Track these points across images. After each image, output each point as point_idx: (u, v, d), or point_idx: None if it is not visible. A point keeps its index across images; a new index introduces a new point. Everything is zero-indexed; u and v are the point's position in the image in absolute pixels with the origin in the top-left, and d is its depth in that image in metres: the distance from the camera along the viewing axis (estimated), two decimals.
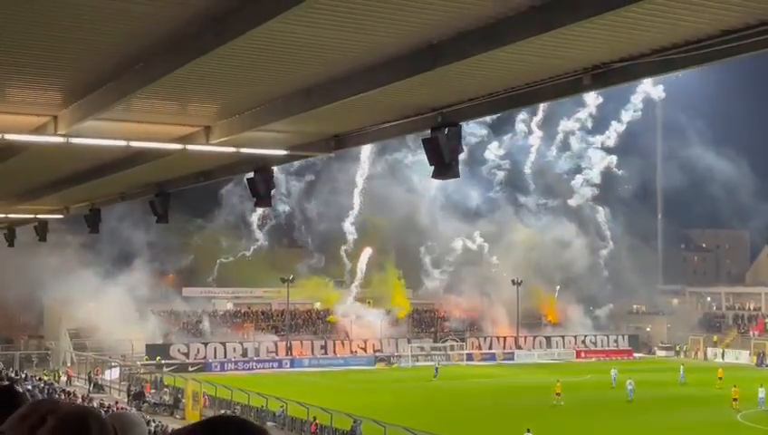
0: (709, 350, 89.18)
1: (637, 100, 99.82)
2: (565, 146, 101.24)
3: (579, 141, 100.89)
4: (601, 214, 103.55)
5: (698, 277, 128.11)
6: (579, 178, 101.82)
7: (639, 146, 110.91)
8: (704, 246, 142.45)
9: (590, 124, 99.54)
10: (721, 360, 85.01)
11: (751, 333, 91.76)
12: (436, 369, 69.10)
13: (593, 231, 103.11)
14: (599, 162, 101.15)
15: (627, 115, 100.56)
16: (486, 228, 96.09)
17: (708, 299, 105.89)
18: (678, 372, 64.87)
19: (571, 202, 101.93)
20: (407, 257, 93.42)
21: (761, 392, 49.07)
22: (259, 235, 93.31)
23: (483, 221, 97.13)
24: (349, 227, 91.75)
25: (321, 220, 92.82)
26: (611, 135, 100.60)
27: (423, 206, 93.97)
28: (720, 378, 59.56)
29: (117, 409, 37.94)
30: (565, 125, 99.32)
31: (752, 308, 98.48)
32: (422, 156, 11.91)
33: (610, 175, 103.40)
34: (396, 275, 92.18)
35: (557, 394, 51.91)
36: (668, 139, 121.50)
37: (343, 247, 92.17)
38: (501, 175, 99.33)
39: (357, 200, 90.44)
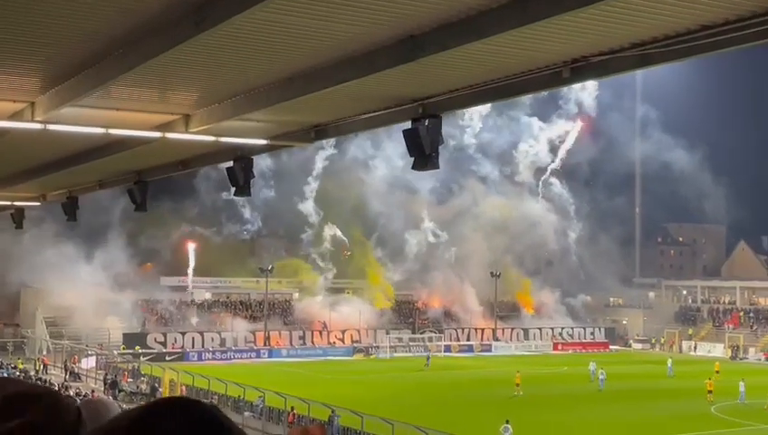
0: (684, 343, 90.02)
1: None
2: (527, 130, 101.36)
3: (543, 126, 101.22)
4: (570, 205, 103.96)
5: (675, 271, 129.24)
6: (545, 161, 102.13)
7: (612, 135, 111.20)
8: (681, 240, 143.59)
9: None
10: (693, 353, 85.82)
11: (725, 326, 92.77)
12: (428, 358, 69.88)
13: (566, 217, 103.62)
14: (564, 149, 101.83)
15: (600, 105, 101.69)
16: (449, 210, 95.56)
17: (684, 292, 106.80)
18: (665, 365, 65.38)
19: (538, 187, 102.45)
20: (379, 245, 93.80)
21: (741, 386, 49.47)
22: (237, 223, 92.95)
23: (447, 202, 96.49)
24: (312, 213, 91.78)
25: (286, 208, 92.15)
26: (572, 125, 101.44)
27: (386, 192, 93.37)
28: (717, 371, 60.13)
29: (92, 398, 37.73)
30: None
31: (727, 302, 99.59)
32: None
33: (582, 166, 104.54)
34: (376, 262, 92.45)
35: (516, 385, 52.57)
36: (646, 132, 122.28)
37: (308, 233, 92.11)
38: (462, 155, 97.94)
39: (313, 186, 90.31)
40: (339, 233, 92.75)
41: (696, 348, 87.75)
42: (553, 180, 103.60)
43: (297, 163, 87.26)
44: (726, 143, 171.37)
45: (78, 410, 1.69)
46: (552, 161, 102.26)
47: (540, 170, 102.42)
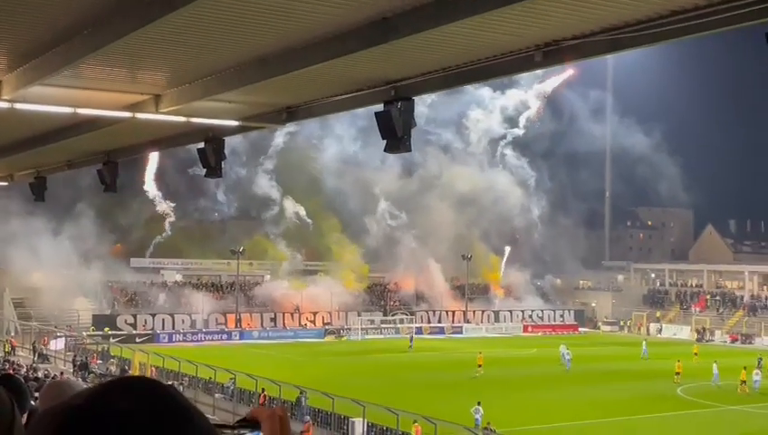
0: (652, 325, 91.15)
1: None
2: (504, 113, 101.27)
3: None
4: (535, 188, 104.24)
5: (643, 254, 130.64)
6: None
7: (575, 115, 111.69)
8: (650, 223, 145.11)
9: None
10: (659, 335, 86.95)
11: (692, 309, 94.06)
12: (411, 339, 70.43)
13: (528, 191, 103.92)
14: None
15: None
16: (410, 183, 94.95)
17: (652, 276, 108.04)
18: (633, 347, 66.24)
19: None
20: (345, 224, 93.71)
21: (714, 368, 50.13)
22: (207, 204, 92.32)
23: (408, 176, 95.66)
24: (275, 194, 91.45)
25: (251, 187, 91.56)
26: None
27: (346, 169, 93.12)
28: (695, 353, 60.89)
29: (61, 380, 37.50)
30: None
31: (694, 285, 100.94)
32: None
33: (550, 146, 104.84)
34: (347, 241, 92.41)
35: (478, 366, 53.12)
36: (617, 115, 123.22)
37: (273, 214, 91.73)
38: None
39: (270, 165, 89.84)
40: (302, 212, 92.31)
41: (661, 330, 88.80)
42: (508, 152, 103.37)
43: (253, 142, 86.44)
44: (695, 129, 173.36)
45: (10, 401, 1.66)
46: (505, 135, 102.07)
47: (494, 141, 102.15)
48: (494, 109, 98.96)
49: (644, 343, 67.00)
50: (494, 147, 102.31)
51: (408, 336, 72.72)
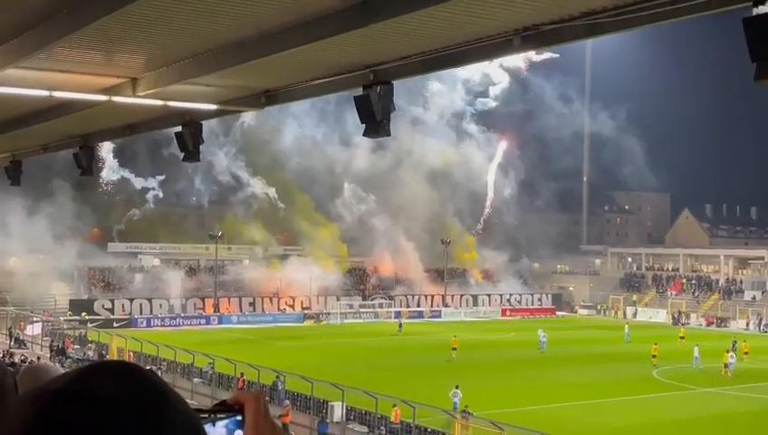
0: (628, 309, 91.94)
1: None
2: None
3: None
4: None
5: (620, 238, 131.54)
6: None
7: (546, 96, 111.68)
8: (626, 208, 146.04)
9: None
10: (634, 318, 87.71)
11: (668, 292, 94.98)
12: (401, 324, 70.92)
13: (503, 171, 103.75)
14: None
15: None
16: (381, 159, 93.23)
17: (629, 260, 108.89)
18: (611, 330, 66.96)
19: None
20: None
21: (696, 352, 50.69)
22: (183, 189, 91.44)
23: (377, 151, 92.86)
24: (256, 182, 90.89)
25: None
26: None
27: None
28: (682, 338, 61.42)
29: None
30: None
31: (670, 269, 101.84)
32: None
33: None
34: (324, 220, 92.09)
35: (453, 349, 53.46)
36: (594, 100, 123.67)
37: (247, 197, 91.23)
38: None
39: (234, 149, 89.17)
40: (273, 194, 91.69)
41: (636, 314, 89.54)
42: (473, 127, 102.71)
43: (216, 124, 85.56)
44: (672, 115, 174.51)
45: (15, 384, 1.67)
46: (469, 109, 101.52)
47: (457, 115, 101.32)
48: (456, 82, 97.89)
49: (626, 326, 67.57)
50: (459, 121, 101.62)
51: (398, 321, 73.21)
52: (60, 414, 1.08)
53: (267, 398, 37.17)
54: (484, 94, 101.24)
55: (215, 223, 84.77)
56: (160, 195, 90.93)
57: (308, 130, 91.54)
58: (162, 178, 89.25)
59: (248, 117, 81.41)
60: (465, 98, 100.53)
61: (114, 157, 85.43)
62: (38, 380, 2.28)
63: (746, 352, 53.89)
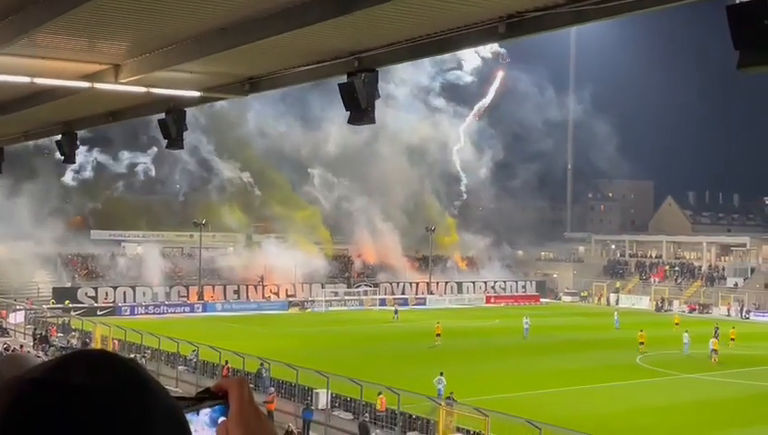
0: (612, 295, 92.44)
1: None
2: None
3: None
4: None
5: (604, 226, 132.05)
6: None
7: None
8: (610, 195, 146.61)
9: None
10: (616, 305, 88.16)
11: (651, 279, 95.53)
12: (396, 311, 71.70)
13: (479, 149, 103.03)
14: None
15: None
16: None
17: (613, 247, 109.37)
18: (595, 317, 67.31)
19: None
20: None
21: (685, 338, 50.96)
22: (168, 175, 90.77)
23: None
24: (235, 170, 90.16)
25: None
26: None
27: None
28: (677, 323, 61.65)
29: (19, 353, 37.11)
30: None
31: (653, 256, 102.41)
32: None
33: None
34: (305, 203, 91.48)
35: (437, 335, 53.72)
36: (579, 89, 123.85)
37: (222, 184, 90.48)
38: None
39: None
40: (247, 178, 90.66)
41: (618, 301, 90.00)
42: (444, 105, 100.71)
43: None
44: (658, 104, 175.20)
45: None
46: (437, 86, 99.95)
47: (423, 90, 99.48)
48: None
49: (616, 313, 67.84)
50: (426, 96, 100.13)
51: (394, 308, 73.91)
52: (36, 403, 1.06)
53: (252, 385, 37.19)
54: (459, 68, 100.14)
55: (190, 210, 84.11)
56: (141, 182, 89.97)
57: (271, 110, 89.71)
58: (143, 162, 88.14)
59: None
60: (431, 72, 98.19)
61: (88, 143, 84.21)
62: (18, 369, 2.26)
63: (732, 339, 54.30)
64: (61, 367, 1.13)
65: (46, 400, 1.07)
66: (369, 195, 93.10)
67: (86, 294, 70.88)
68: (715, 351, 48.14)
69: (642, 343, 51.77)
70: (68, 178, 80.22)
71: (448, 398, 31.19)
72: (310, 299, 79.69)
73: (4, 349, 37.17)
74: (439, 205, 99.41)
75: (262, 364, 37.02)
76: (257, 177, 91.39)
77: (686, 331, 52.41)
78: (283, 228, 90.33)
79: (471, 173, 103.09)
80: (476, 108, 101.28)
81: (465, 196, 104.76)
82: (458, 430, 27.94)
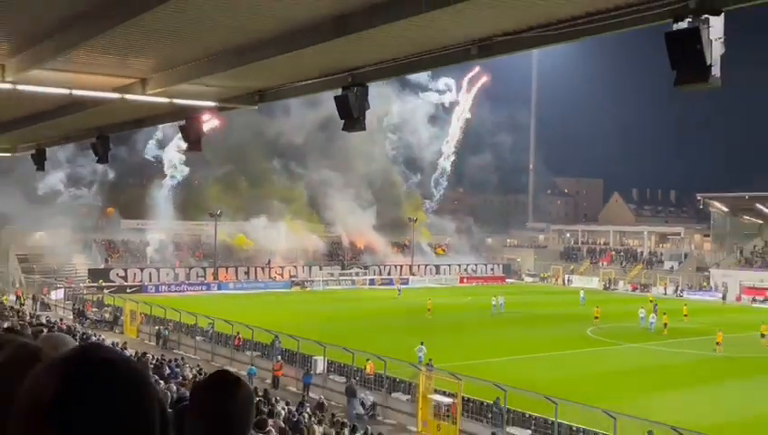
0: (567, 277, 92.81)
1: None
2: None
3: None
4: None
5: (560, 217, 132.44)
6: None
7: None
8: (566, 191, 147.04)
9: None
10: (566, 285, 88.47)
11: (600, 263, 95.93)
12: (399, 290, 71.89)
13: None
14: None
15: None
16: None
17: (568, 235, 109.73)
18: (555, 295, 67.57)
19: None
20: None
21: (641, 313, 51.13)
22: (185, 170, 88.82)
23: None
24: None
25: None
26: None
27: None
28: (651, 301, 61.33)
29: (61, 325, 36.99)
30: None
31: (602, 243, 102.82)
32: None
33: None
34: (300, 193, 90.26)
35: (428, 310, 53.88)
36: (543, 94, 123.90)
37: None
38: None
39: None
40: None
41: (572, 281, 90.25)
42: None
43: None
44: (608, 114, 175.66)
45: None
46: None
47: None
48: None
49: (582, 292, 68.03)
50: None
51: (396, 287, 74.43)
52: (83, 371, 1.26)
53: (263, 354, 37.16)
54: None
55: (195, 198, 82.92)
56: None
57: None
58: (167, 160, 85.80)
59: None
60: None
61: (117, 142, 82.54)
62: (55, 345, 2.28)
63: (686, 315, 54.54)
64: (91, 347, 1.33)
65: (93, 365, 1.28)
66: (347, 183, 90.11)
67: (117, 274, 70.53)
68: (666, 324, 48.48)
69: (597, 318, 52.02)
70: (102, 174, 79.42)
71: (428, 364, 31.26)
72: (309, 279, 79.55)
73: (47, 321, 36.94)
74: (405, 185, 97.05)
75: (276, 337, 36.88)
76: (241, 165, 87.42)
77: (642, 307, 52.80)
78: (277, 212, 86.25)
79: (444, 172, 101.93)
80: (455, 117, 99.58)
81: (442, 191, 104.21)
82: (435, 391, 28.04)
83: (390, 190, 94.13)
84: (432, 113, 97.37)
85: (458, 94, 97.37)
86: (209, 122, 15.53)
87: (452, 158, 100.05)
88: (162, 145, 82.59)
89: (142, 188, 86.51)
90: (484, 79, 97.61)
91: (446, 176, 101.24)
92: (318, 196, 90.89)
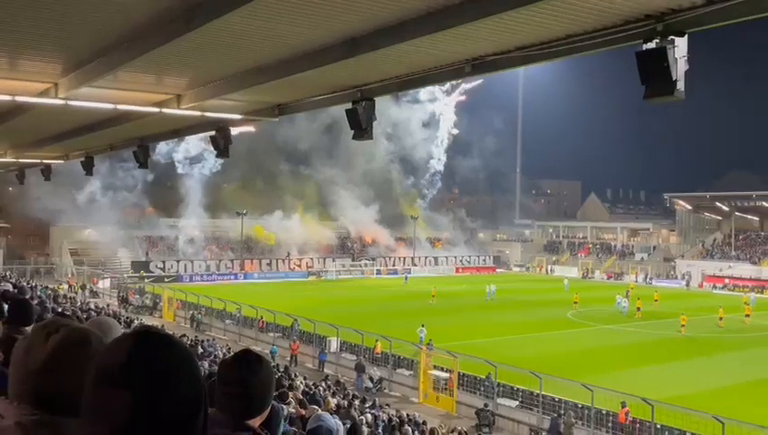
0: (550, 267, 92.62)
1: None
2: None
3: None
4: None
5: (544, 214, 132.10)
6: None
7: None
8: (549, 191, 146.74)
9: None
10: (547, 274, 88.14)
11: (579, 255, 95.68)
12: (406, 277, 71.83)
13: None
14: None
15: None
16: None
17: (550, 230, 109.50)
18: (540, 282, 67.23)
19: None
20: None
21: (618, 299, 50.94)
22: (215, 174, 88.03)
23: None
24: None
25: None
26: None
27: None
28: (632, 289, 61.08)
29: (107, 310, 37.10)
30: None
31: (580, 237, 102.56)
32: None
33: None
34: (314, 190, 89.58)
35: (432, 296, 53.76)
36: (528, 104, 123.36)
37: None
38: None
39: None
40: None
41: (554, 270, 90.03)
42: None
43: None
44: (585, 124, 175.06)
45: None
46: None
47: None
48: None
49: (565, 280, 67.83)
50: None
51: (404, 276, 74.50)
52: (147, 344, 1.33)
53: (282, 335, 37.18)
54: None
55: (219, 196, 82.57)
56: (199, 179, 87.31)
57: None
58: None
59: None
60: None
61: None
62: (103, 328, 2.28)
63: (656, 300, 54.31)
64: (151, 327, 1.40)
65: (155, 340, 1.35)
66: (351, 182, 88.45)
67: (156, 266, 70.68)
68: (639, 308, 48.31)
69: (576, 303, 51.87)
70: (143, 177, 79.44)
71: (428, 344, 31.26)
72: (323, 270, 79.53)
73: (96, 306, 37.06)
74: (404, 184, 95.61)
75: (295, 320, 36.93)
76: (252, 163, 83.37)
77: (619, 294, 52.56)
78: (289, 207, 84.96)
79: (438, 173, 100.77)
80: (443, 123, 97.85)
81: (435, 191, 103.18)
82: (435, 367, 28.02)
83: (389, 188, 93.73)
84: (425, 120, 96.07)
85: (449, 96, 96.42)
86: (236, 132, 15.49)
87: (444, 160, 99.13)
88: (190, 152, 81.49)
89: (175, 189, 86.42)
90: (467, 87, 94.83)
91: (439, 177, 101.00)
92: (326, 194, 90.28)
